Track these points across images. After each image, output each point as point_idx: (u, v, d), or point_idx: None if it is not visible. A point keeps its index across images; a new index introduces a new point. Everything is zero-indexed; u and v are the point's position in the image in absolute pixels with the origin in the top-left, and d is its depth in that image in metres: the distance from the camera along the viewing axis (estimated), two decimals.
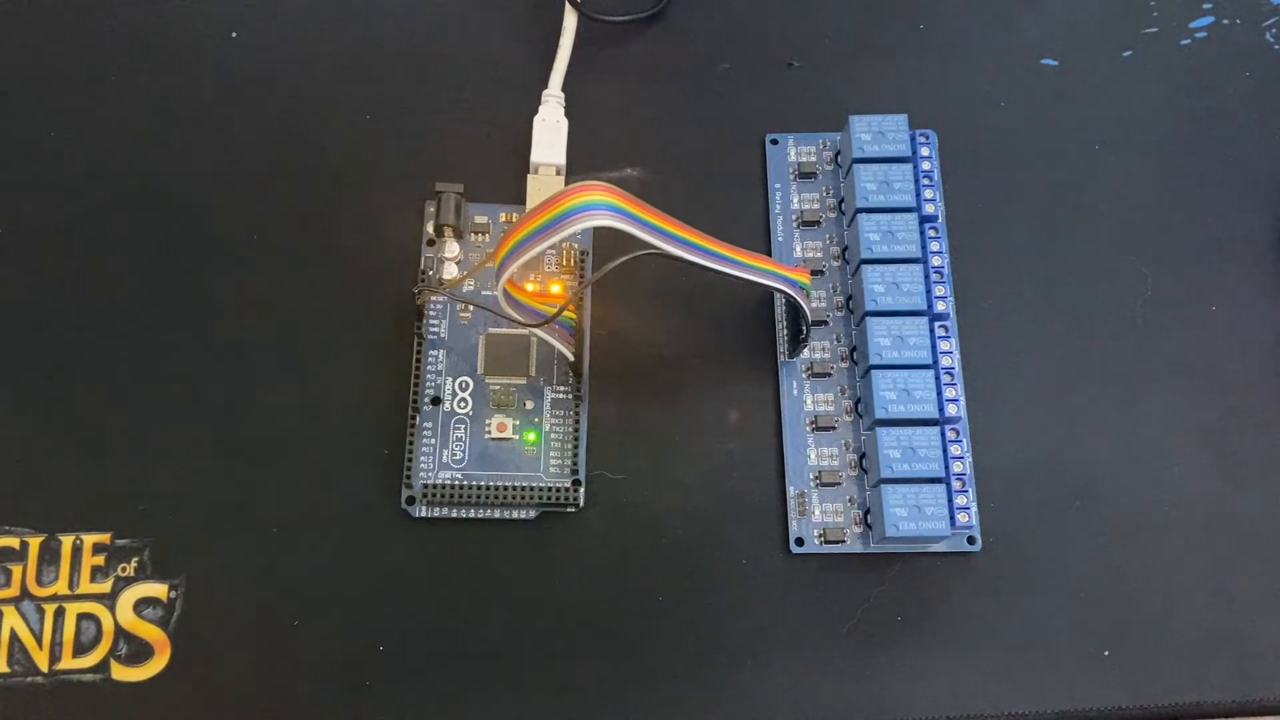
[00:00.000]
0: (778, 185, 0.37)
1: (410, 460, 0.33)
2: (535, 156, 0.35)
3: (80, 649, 0.31)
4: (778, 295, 0.35)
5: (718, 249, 0.30)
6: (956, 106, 0.37)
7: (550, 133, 0.36)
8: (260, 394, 0.34)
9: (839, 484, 0.33)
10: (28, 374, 0.34)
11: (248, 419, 0.33)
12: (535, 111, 0.36)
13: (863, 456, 0.33)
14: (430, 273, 0.35)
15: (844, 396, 0.34)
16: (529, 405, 0.34)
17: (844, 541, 0.32)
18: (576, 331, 0.33)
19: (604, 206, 0.27)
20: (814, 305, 0.35)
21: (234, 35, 0.38)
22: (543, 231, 0.28)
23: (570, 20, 0.36)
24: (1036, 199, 0.37)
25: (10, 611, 0.31)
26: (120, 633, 0.31)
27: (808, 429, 0.34)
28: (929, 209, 0.34)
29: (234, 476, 0.33)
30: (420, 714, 0.31)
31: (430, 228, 0.35)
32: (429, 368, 0.34)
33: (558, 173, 0.35)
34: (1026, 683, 0.31)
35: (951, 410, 0.32)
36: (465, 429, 0.33)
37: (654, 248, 0.28)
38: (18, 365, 0.34)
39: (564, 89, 0.36)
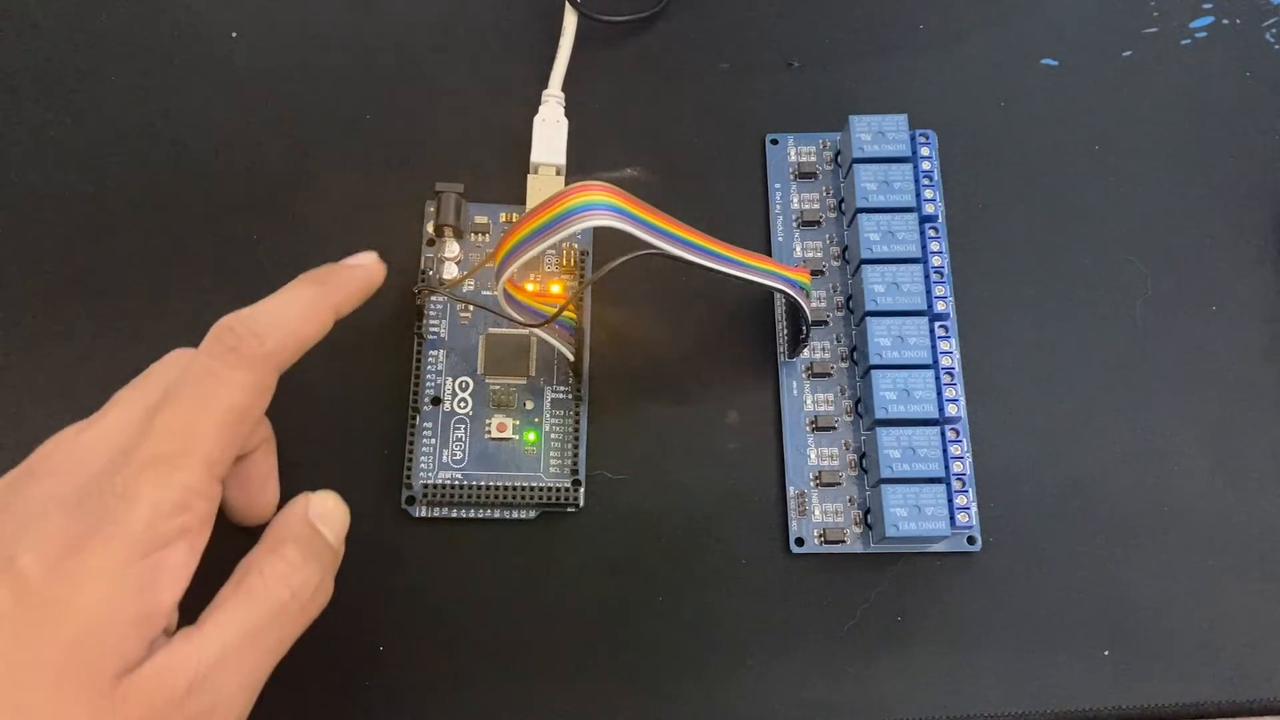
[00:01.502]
0: (778, 185, 0.37)
1: (410, 460, 0.33)
2: (535, 156, 0.35)
3: None
4: (778, 295, 0.35)
5: (718, 249, 0.30)
6: (956, 106, 0.37)
7: (550, 132, 0.36)
8: None
9: (839, 484, 0.33)
10: (27, 373, 0.34)
11: None
12: (535, 111, 0.36)
13: (863, 456, 0.33)
14: (430, 273, 0.35)
15: (844, 396, 0.34)
16: (529, 405, 0.34)
17: (844, 541, 0.33)
18: (576, 331, 0.33)
19: (604, 206, 0.27)
20: (814, 305, 0.35)
21: (234, 35, 0.38)
22: (543, 231, 0.28)
23: (570, 20, 0.36)
24: (1036, 199, 0.37)
25: None
26: None
27: (808, 429, 0.34)
28: (929, 209, 0.34)
29: None
30: (420, 714, 0.31)
31: (430, 228, 0.35)
32: (429, 368, 0.34)
33: (558, 173, 0.35)
34: (1026, 683, 0.31)
35: (951, 410, 0.32)
36: (465, 429, 0.33)
37: (654, 248, 0.28)
38: (17, 364, 0.34)
39: (564, 89, 0.36)
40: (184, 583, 0.24)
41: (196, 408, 0.24)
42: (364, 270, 0.29)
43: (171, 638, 0.23)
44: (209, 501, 0.24)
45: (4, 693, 0.21)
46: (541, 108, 0.36)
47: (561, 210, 0.27)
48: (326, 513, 0.27)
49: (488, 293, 0.35)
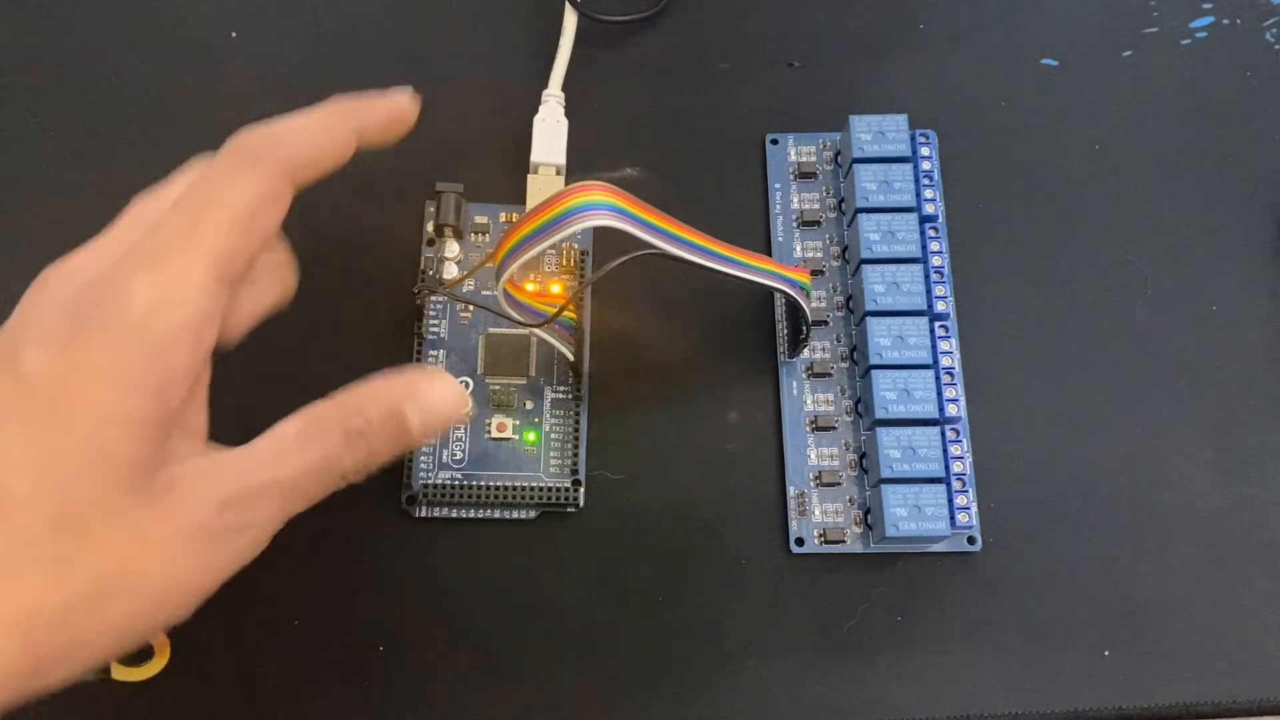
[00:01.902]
0: (778, 185, 0.37)
1: (410, 460, 0.33)
2: (535, 156, 0.35)
3: None
4: (778, 295, 0.35)
5: (718, 249, 0.30)
6: (956, 106, 0.37)
7: (550, 132, 0.36)
8: (259, 394, 0.33)
9: (839, 484, 0.33)
10: None
11: (246, 420, 0.33)
12: (535, 111, 0.36)
13: (863, 456, 0.33)
14: (430, 273, 0.35)
15: (844, 396, 0.34)
16: (529, 405, 0.34)
17: (844, 541, 0.32)
18: (576, 331, 0.33)
19: (604, 206, 0.27)
20: (814, 305, 0.35)
21: (234, 35, 0.38)
22: (543, 231, 0.27)
23: (570, 20, 0.36)
24: (1036, 199, 0.37)
25: None
26: None
27: (808, 429, 0.34)
28: (929, 209, 0.34)
29: None
30: (420, 714, 0.31)
31: (430, 227, 0.35)
32: (429, 367, 0.34)
33: (558, 173, 0.35)
34: (1026, 683, 0.31)
35: (951, 410, 0.32)
36: (465, 429, 0.33)
37: (654, 248, 0.28)
38: None
39: (564, 89, 0.36)
40: (191, 383, 0.24)
41: (200, 205, 0.24)
42: (395, 99, 0.29)
43: (219, 450, 0.24)
44: (212, 300, 0.24)
45: (34, 491, 0.21)
46: (541, 107, 0.36)
47: (561, 210, 0.27)
48: (427, 408, 0.26)
49: (488, 293, 0.35)
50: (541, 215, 0.27)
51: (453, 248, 0.35)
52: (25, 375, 0.22)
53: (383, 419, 0.26)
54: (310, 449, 0.25)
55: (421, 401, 0.26)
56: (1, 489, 0.21)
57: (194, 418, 0.25)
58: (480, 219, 0.35)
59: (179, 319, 0.23)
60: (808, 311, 0.32)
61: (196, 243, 0.23)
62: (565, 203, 0.27)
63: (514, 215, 0.35)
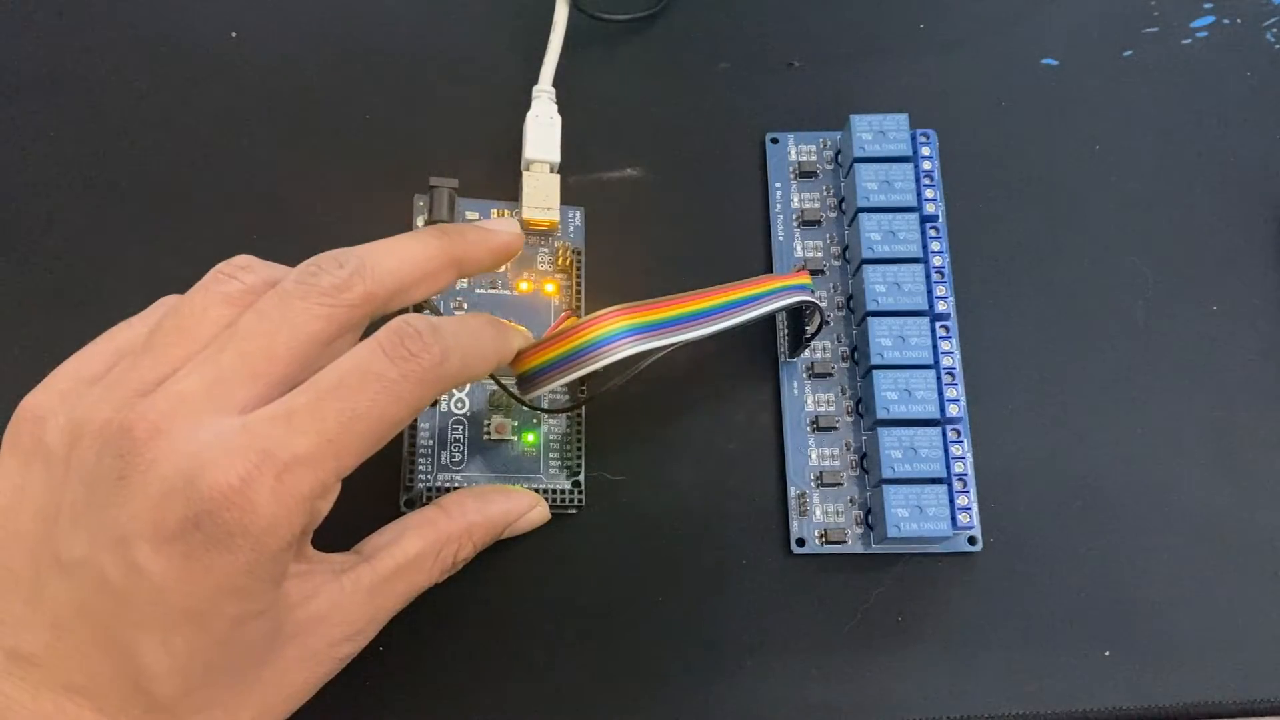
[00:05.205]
0: (778, 184, 0.36)
1: (410, 462, 0.32)
2: (528, 154, 0.35)
3: None
4: None
5: (723, 297, 0.30)
6: (956, 106, 0.37)
7: (543, 129, 0.35)
8: None
9: (840, 484, 0.33)
10: (26, 377, 0.33)
11: None
12: (530, 107, 0.36)
13: (864, 457, 0.33)
14: None
15: (845, 396, 0.34)
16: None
17: (845, 542, 0.32)
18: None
19: (622, 335, 0.28)
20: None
21: (233, 35, 0.37)
22: (565, 364, 0.28)
23: (561, 14, 0.36)
24: (1036, 199, 0.37)
25: None
26: None
27: (808, 429, 0.34)
28: (930, 209, 0.34)
29: None
30: (420, 714, 0.31)
31: (421, 223, 0.35)
32: None
33: (552, 170, 0.35)
34: (1026, 683, 0.31)
35: (953, 410, 0.32)
36: (463, 430, 0.33)
37: (673, 346, 0.29)
38: (17, 368, 0.33)
39: (565, 89, 0.36)
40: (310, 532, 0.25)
41: (353, 413, 0.22)
42: (501, 236, 0.28)
43: (335, 578, 0.25)
44: (329, 501, 0.24)
45: (182, 693, 0.22)
46: (534, 104, 0.36)
47: (582, 344, 0.28)
48: (519, 529, 0.31)
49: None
50: (562, 346, 0.28)
51: None
52: (149, 576, 0.21)
53: (485, 543, 0.29)
54: (426, 574, 0.28)
55: (517, 527, 0.30)
56: (150, 694, 0.22)
57: (303, 544, 0.26)
58: (472, 215, 0.35)
59: (300, 526, 0.23)
60: (821, 309, 0.32)
61: (334, 458, 0.22)
62: (584, 336, 0.28)
63: (506, 212, 0.35)
